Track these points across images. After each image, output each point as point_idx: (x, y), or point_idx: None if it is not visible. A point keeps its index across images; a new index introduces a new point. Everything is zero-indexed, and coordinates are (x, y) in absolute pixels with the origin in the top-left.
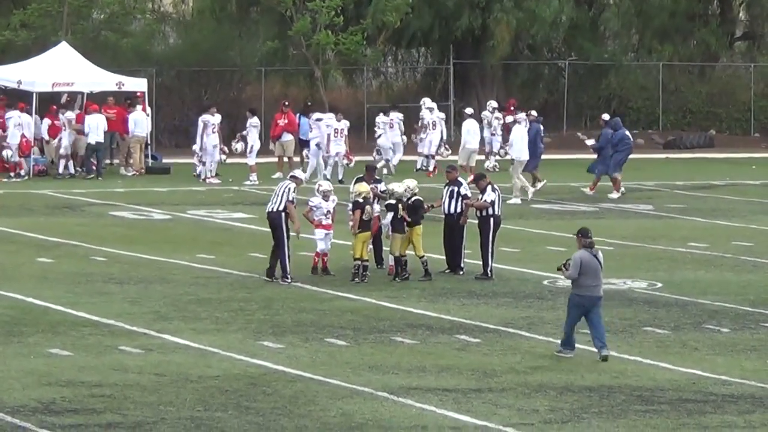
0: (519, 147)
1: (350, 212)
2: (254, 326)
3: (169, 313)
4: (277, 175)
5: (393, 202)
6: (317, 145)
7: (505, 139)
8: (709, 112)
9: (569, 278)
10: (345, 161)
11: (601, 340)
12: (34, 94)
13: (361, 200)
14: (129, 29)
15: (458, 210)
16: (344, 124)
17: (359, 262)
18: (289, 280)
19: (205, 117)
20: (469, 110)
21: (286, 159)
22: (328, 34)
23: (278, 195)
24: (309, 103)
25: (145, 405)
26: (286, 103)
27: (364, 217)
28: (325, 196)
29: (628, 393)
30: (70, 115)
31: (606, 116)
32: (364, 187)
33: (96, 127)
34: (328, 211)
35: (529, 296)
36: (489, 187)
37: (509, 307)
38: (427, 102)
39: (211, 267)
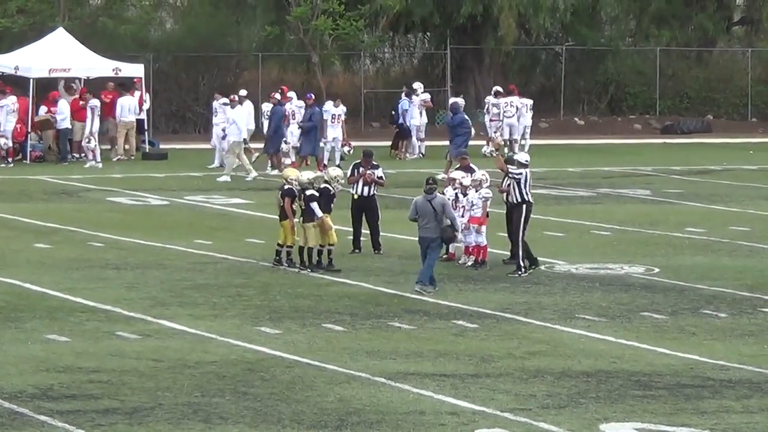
0: (235, 128)
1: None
2: (251, 312)
3: (166, 299)
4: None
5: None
6: (223, 130)
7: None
8: (706, 97)
9: (410, 218)
10: (346, 148)
11: (422, 279)
12: (32, 80)
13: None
14: (126, 15)
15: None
16: (341, 109)
17: (288, 249)
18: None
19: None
20: (242, 92)
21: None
22: (326, 19)
23: None
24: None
25: (142, 391)
26: (283, 88)
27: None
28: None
29: (625, 378)
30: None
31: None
32: (292, 173)
33: (62, 112)
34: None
35: (527, 281)
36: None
37: (506, 292)
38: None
39: (208, 252)
